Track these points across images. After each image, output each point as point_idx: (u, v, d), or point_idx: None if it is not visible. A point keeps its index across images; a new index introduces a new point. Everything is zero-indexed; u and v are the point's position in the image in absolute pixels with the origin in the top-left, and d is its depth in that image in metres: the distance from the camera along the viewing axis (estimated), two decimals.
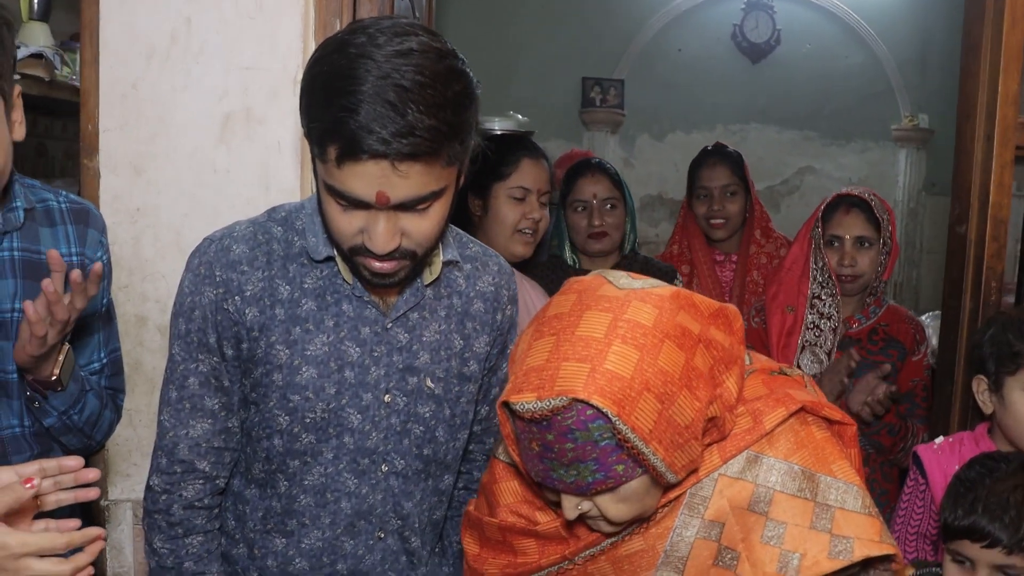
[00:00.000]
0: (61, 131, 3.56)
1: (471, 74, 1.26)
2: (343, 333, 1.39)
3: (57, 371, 1.52)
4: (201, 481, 1.41)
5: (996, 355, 1.83)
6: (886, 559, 1.24)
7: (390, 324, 1.41)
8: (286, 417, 1.38)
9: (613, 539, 1.27)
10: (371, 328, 1.40)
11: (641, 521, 1.25)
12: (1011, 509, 1.53)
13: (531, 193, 2.30)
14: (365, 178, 1.21)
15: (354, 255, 1.31)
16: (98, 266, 1.42)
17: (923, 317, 3.43)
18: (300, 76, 1.79)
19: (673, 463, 1.15)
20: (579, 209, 2.54)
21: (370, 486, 1.43)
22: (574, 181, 2.58)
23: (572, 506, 1.19)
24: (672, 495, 1.24)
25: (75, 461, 1.23)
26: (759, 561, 1.20)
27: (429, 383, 1.45)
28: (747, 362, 1.35)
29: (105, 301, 1.72)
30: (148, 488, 1.43)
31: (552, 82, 5.75)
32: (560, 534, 1.30)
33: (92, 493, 1.25)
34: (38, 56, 2.25)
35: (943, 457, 1.88)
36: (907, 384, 2.37)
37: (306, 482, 1.41)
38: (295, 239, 1.40)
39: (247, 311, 1.36)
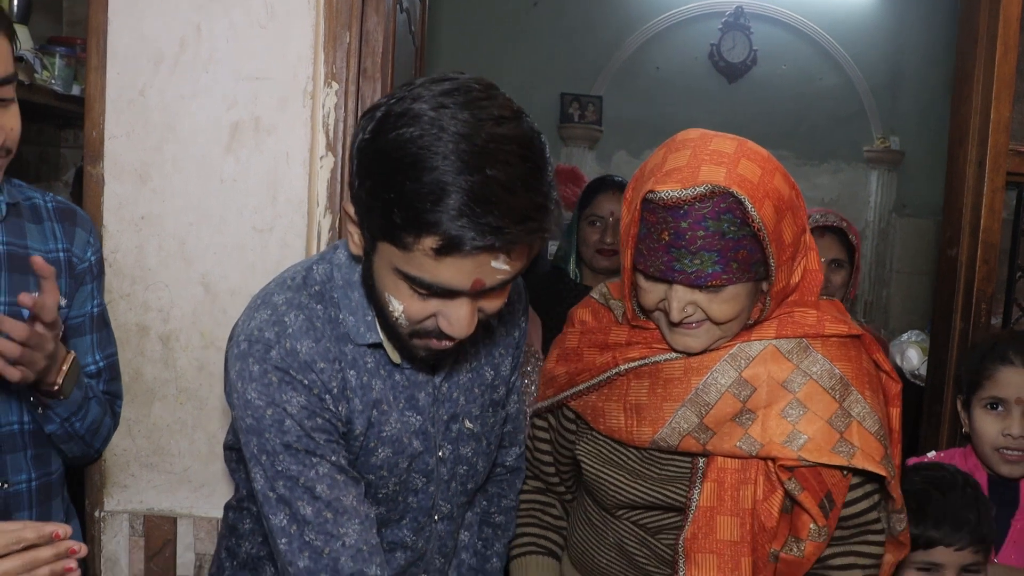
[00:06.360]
0: (36, 135, 3.50)
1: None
2: (402, 404, 1.31)
3: (60, 380, 1.50)
4: None
5: (966, 375, 1.92)
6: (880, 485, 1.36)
7: (439, 380, 1.34)
8: None
9: (662, 357, 1.37)
10: (425, 391, 1.33)
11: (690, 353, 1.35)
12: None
13: None
14: (465, 270, 1.06)
15: (414, 337, 1.19)
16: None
17: (902, 336, 3.50)
18: (309, 87, 1.81)
19: (778, 268, 1.27)
20: (594, 223, 2.55)
21: (424, 538, 1.41)
22: (594, 195, 2.58)
23: (680, 306, 1.28)
24: (724, 346, 1.34)
25: (64, 530, 1.18)
26: (771, 429, 1.30)
27: (468, 424, 1.39)
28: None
29: (96, 303, 1.70)
30: None
31: (531, 97, 5.76)
32: (623, 341, 1.42)
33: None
34: (18, 59, 2.22)
35: None
36: None
37: None
38: (338, 315, 1.26)
39: (339, 408, 1.25)
